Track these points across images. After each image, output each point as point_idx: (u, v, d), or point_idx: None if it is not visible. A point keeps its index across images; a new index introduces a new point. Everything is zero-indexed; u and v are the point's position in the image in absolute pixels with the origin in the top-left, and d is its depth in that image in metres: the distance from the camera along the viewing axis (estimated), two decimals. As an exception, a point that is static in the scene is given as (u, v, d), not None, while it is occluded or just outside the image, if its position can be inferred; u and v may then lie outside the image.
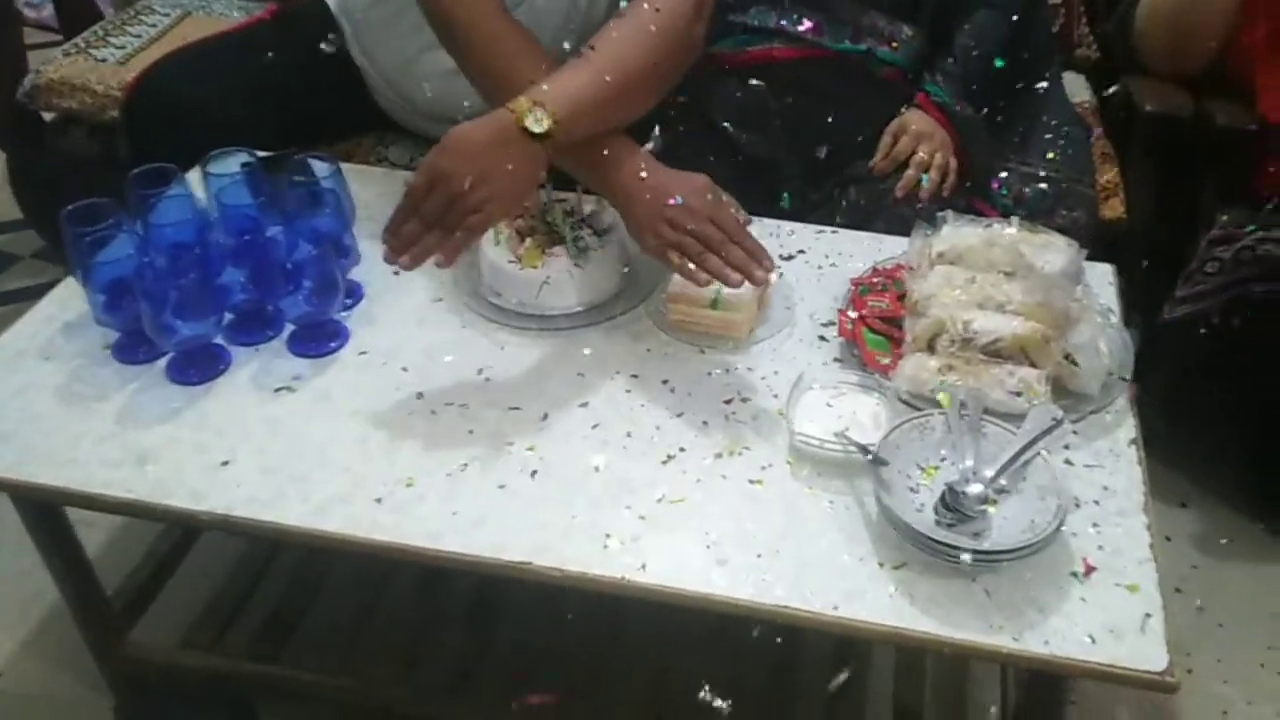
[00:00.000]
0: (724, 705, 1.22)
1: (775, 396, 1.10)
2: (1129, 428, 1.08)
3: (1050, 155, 1.59)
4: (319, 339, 1.13)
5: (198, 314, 1.07)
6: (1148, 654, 0.86)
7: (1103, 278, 1.28)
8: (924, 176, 1.46)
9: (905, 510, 0.95)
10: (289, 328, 1.14)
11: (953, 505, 0.95)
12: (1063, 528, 0.93)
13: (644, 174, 1.13)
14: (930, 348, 1.12)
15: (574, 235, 1.19)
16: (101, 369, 1.12)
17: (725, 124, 1.54)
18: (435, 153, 1.04)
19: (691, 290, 1.15)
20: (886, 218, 1.42)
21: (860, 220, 1.44)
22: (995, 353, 1.09)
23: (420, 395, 1.09)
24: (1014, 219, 1.22)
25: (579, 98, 1.10)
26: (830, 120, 1.53)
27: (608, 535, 0.95)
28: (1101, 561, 0.93)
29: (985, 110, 1.54)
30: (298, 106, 1.47)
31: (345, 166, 1.30)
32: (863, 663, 1.32)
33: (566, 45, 1.34)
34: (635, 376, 1.12)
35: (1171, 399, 1.67)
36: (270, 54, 1.48)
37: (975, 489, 0.95)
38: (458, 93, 1.26)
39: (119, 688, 1.33)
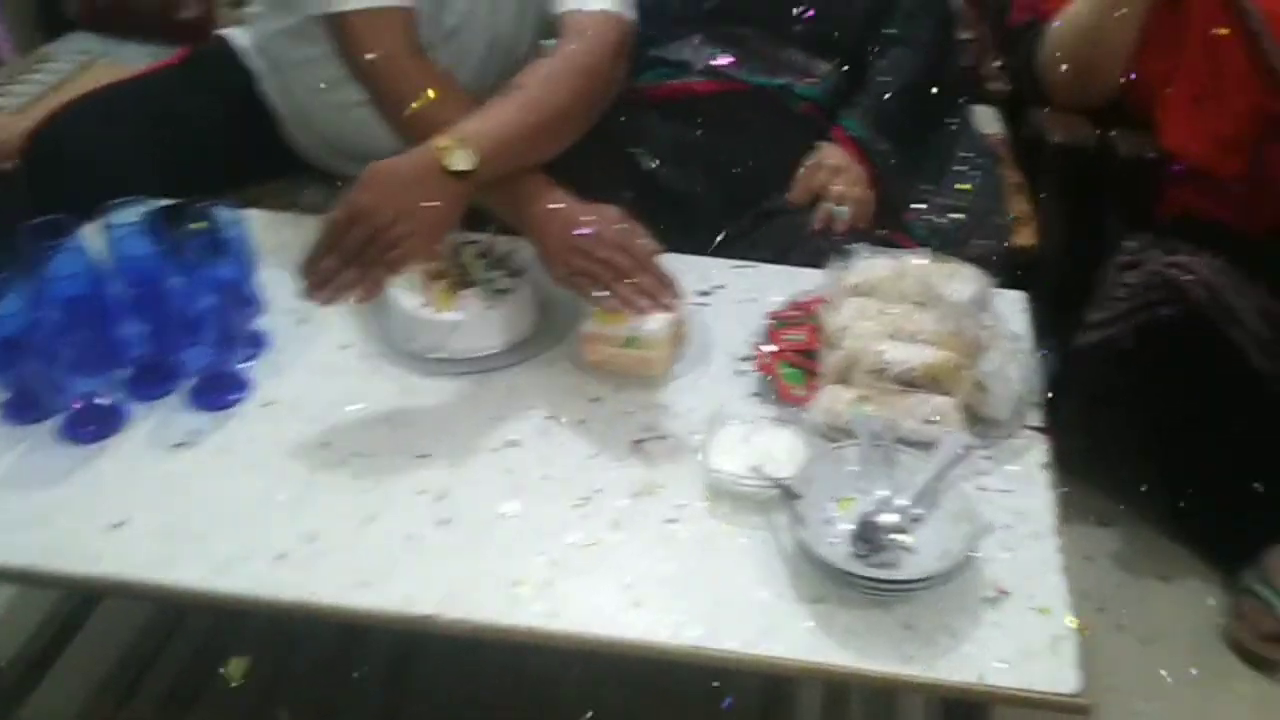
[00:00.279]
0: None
1: (693, 434, 1.09)
2: (1040, 451, 1.08)
3: (963, 187, 1.62)
4: (221, 391, 1.10)
5: (92, 370, 1.03)
6: (1060, 676, 0.86)
7: (1014, 305, 1.30)
8: (840, 210, 1.48)
9: (820, 543, 0.94)
10: (190, 381, 1.11)
11: (867, 536, 0.94)
12: (976, 553, 0.93)
13: (555, 205, 1.14)
14: (845, 379, 1.12)
15: (486, 277, 1.17)
16: (-11, 431, 1.08)
17: (644, 158, 1.55)
18: (357, 188, 1.05)
19: (607, 329, 1.15)
20: (804, 251, 1.43)
21: (779, 254, 1.44)
22: (909, 382, 1.10)
23: (326, 445, 1.06)
24: (922, 250, 1.23)
25: (502, 136, 1.11)
26: (748, 154, 1.55)
27: (518, 583, 0.93)
28: (1014, 586, 0.93)
29: (899, 143, 1.56)
30: (206, 152, 1.44)
31: (254, 213, 1.28)
32: (789, 698, 1.30)
33: (489, 82, 1.34)
34: (550, 418, 1.11)
35: (1089, 421, 1.70)
36: (177, 99, 1.46)
37: (889, 519, 0.95)
38: (376, 129, 1.25)
39: (14, 764, 1.27)
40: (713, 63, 1.55)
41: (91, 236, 1.17)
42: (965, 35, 1.87)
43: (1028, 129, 1.70)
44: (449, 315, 1.15)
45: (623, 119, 1.54)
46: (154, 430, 1.08)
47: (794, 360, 1.18)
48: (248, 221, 1.22)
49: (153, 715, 1.27)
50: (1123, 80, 1.55)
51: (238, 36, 1.55)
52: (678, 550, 0.97)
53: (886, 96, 1.56)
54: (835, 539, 0.96)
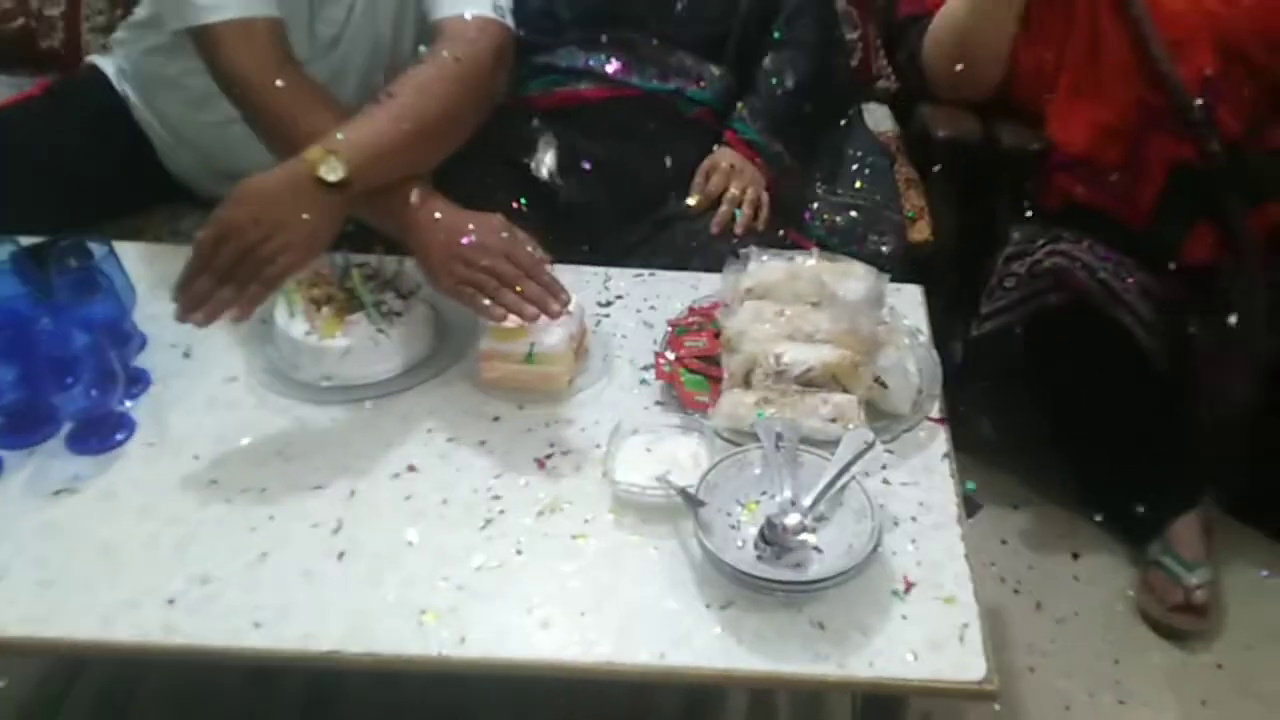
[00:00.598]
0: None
1: (598, 446, 1.08)
2: (941, 442, 1.10)
3: (858, 184, 1.64)
4: (101, 433, 1.05)
5: (-42, 419, 0.98)
6: (967, 664, 0.87)
7: (911, 299, 1.31)
8: (737, 212, 1.48)
9: (726, 549, 0.94)
10: (67, 424, 1.06)
11: (772, 539, 0.94)
12: (881, 548, 0.94)
13: (438, 215, 1.12)
14: (746, 383, 1.12)
15: (375, 300, 1.14)
16: None
17: (536, 166, 1.54)
18: (225, 205, 1.02)
19: (505, 346, 1.13)
20: (706, 256, 1.43)
21: (680, 259, 1.44)
22: (808, 382, 1.10)
23: (214, 483, 1.02)
24: (814, 251, 1.24)
25: (375, 145, 1.09)
26: (642, 161, 1.55)
27: (422, 612, 0.90)
28: (920, 577, 0.94)
29: (792, 144, 1.58)
30: (78, 184, 1.39)
31: (132, 245, 1.24)
32: (715, 698, 1.30)
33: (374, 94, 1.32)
34: (450, 440, 1.09)
35: (994, 407, 1.74)
36: (44, 131, 1.40)
37: (793, 519, 0.95)
38: (252, 146, 1.22)
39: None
40: (602, 68, 1.55)
41: (-46, 280, 1.12)
42: (851, 35, 1.90)
43: (917, 125, 1.74)
44: (338, 341, 1.11)
45: (512, 128, 1.53)
46: (31, 478, 1.02)
47: (696, 367, 1.17)
48: (124, 254, 1.18)
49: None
50: (1001, 74, 1.58)
51: (107, 63, 1.49)
52: (585, 566, 0.96)
53: (776, 98, 1.58)
54: (741, 543, 0.95)
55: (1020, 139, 1.58)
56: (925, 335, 1.24)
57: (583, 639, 0.89)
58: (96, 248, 1.13)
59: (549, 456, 1.07)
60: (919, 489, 1.04)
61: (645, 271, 1.37)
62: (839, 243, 1.54)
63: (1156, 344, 1.45)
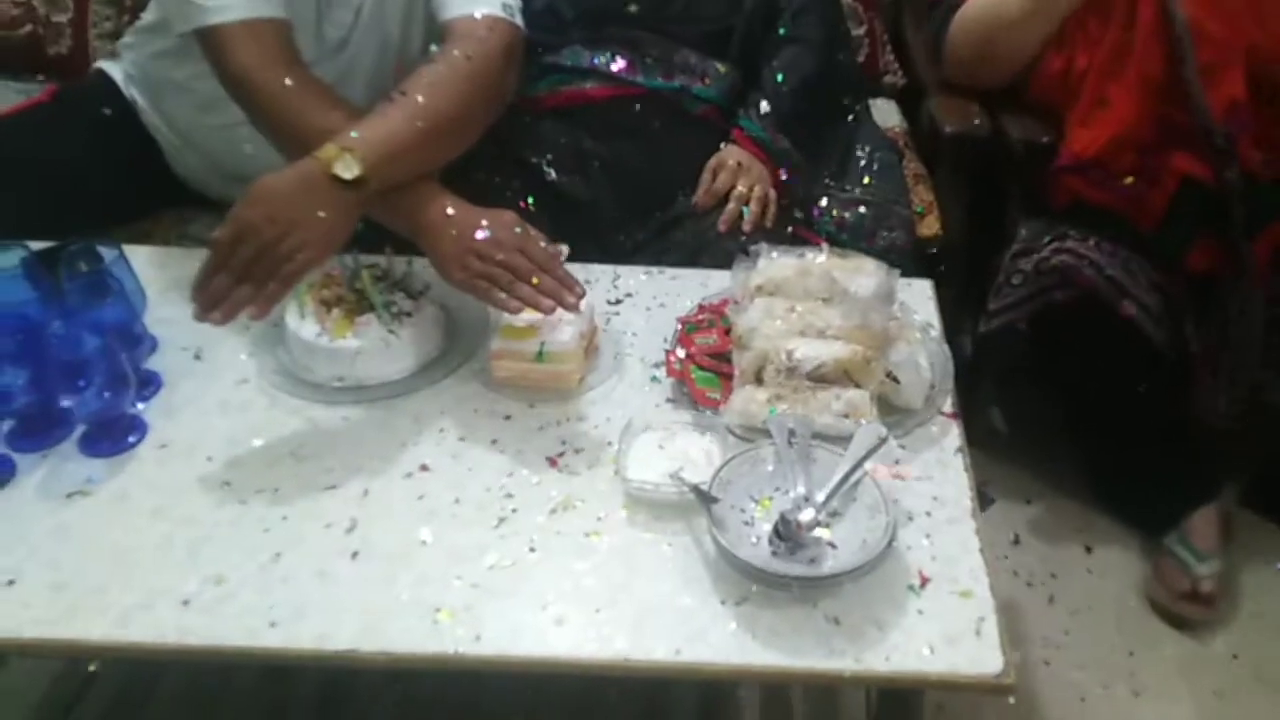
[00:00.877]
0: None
1: (609, 444, 1.07)
2: (954, 436, 1.09)
3: (866, 180, 1.64)
4: (113, 436, 1.05)
5: (-29, 423, 0.98)
6: (984, 658, 0.86)
7: (921, 293, 1.31)
8: (745, 209, 1.48)
9: (740, 545, 0.93)
10: (80, 428, 1.06)
11: (786, 534, 0.94)
12: (895, 543, 0.93)
13: (450, 211, 1.12)
14: (758, 379, 1.12)
15: (385, 300, 1.14)
16: None
17: (544, 167, 1.54)
18: (242, 204, 1.02)
19: (516, 345, 1.13)
20: (713, 253, 1.43)
21: (689, 257, 1.44)
22: (820, 378, 1.10)
23: (227, 484, 1.02)
24: (824, 247, 1.24)
25: (389, 143, 1.09)
26: (649, 159, 1.55)
27: (437, 610, 0.90)
28: (936, 572, 0.94)
29: (799, 140, 1.57)
30: (86, 190, 1.39)
31: (142, 249, 1.24)
32: (728, 694, 1.29)
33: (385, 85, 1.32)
34: (462, 440, 1.08)
35: (1005, 401, 1.73)
36: (52, 137, 1.40)
37: (807, 515, 0.95)
38: (261, 148, 1.22)
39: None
40: (607, 67, 1.55)
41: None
42: (857, 30, 1.90)
43: (924, 120, 1.73)
44: (349, 342, 1.11)
45: (519, 128, 1.53)
46: (44, 481, 1.02)
47: (706, 364, 1.17)
48: (134, 258, 1.18)
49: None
50: (1022, 69, 1.57)
51: (114, 68, 1.50)
52: (599, 563, 0.95)
53: (782, 95, 1.57)
54: (756, 540, 0.95)
55: (1028, 132, 1.57)
56: (937, 330, 1.24)
57: (598, 635, 0.89)
58: (106, 251, 1.13)
59: (561, 455, 1.07)
60: (932, 484, 1.04)
61: (654, 269, 1.37)
62: (848, 239, 1.54)
63: (1165, 336, 1.44)
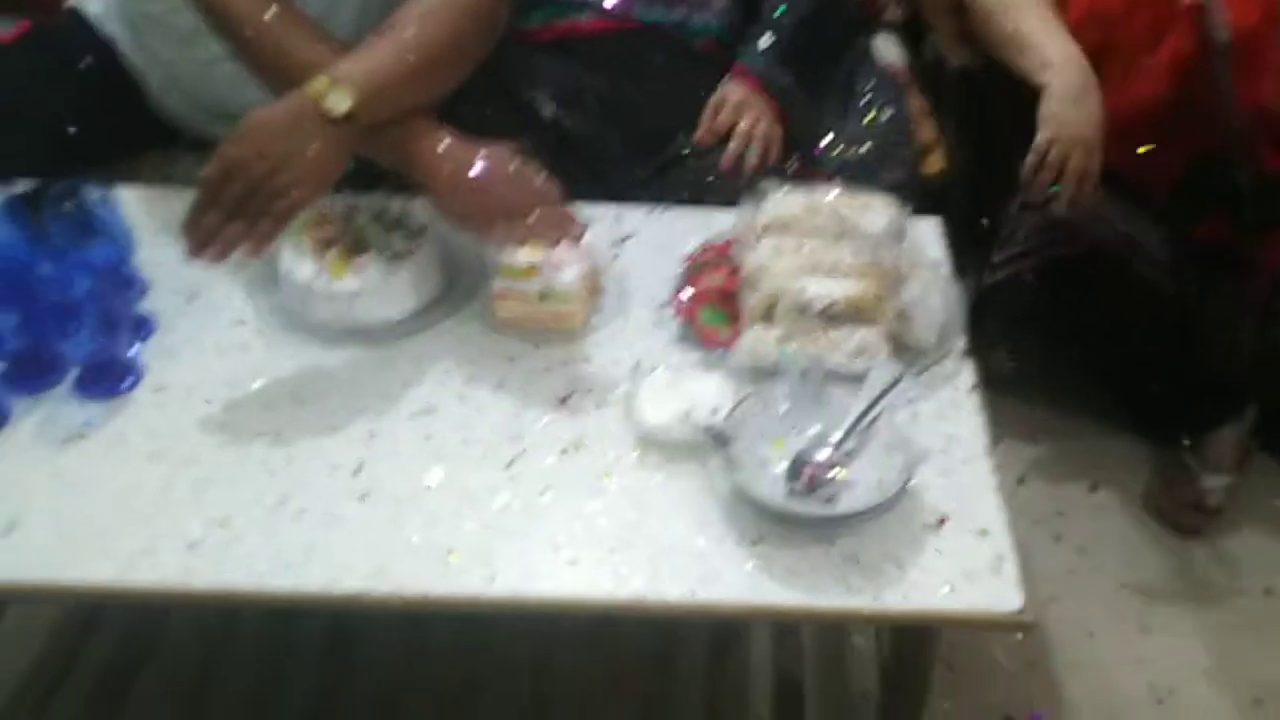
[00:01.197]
0: (604, 701, 1.18)
1: (618, 385, 1.05)
2: (968, 374, 1.08)
3: (869, 117, 1.60)
4: (109, 379, 1.02)
5: (-39, 367, 0.95)
6: (1003, 595, 0.86)
7: (930, 231, 1.28)
8: (750, 147, 1.45)
9: (756, 484, 0.92)
10: (74, 370, 1.03)
11: (803, 474, 0.92)
12: (913, 481, 0.92)
13: (445, 146, 1.09)
14: (768, 318, 1.09)
15: (383, 240, 1.11)
16: None
17: (540, 102, 1.50)
18: (230, 140, 0.99)
19: (519, 284, 1.10)
20: (719, 192, 1.40)
21: (693, 197, 1.41)
22: (832, 316, 1.08)
23: (228, 426, 0.99)
24: (833, 184, 1.21)
25: (381, 77, 1.06)
26: (648, 95, 1.51)
27: (450, 551, 0.89)
28: (953, 510, 0.93)
29: (801, 76, 1.54)
30: (62, 131, 1.33)
31: (128, 191, 1.19)
32: (740, 637, 1.30)
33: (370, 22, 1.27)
34: (468, 381, 1.06)
35: (1011, 342, 1.72)
36: (25, 77, 1.35)
37: (824, 455, 0.93)
38: (246, 83, 1.17)
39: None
40: (600, 1, 1.50)
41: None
42: (859, -35, 1.85)
43: (928, 55, 1.69)
44: (348, 284, 1.08)
45: (513, 62, 1.48)
46: (41, 425, 1.00)
47: (715, 303, 1.15)
48: (121, 199, 1.14)
49: (81, 714, 1.20)
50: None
51: (89, 4, 1.44)
52: (611, 504, 0.94)
53: (784, 28, 1.53)
54: (772, 480, 0.94)
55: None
56: (947, 268, 1.22)
57: (614, 575, 0.88)
58: (91, 192, 1.09)
59: (569, 396, 1.05)
60: (947, 422, 1.02)
61: (657, 207, 1.34)
62: (851, 177, 1.51)
63: (1178, 286, 1.43)
